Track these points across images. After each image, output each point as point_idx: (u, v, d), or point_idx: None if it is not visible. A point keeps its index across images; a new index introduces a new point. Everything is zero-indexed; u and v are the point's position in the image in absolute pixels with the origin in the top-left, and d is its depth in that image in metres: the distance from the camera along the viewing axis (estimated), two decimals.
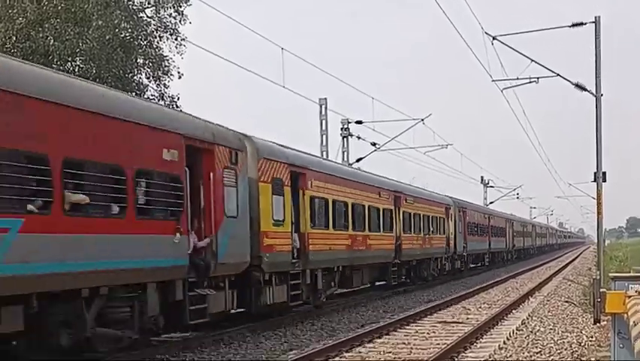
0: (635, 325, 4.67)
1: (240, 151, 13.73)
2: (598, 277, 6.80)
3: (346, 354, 12.73)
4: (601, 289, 6.30)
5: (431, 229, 29.63)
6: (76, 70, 22.98)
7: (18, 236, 8.37)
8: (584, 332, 14.48)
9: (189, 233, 12.08)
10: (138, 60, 23.97)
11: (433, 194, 32.92)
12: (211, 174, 12.59)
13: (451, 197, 35.23)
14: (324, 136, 29.78)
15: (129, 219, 10.43)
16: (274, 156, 15.57)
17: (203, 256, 12.59)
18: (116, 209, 10.29)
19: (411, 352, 12.80)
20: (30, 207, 8.70)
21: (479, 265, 42.11)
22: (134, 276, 10.68)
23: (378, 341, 14.31)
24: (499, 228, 46.36)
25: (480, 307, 20.29)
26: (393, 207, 24.56)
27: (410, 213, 26.76)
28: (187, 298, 12.09)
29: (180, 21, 24.25)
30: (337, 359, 12.31)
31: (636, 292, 5.87)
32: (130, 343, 11.15)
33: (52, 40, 21.64)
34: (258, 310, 15.36)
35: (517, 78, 21.77)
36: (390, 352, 12.82)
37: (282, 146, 16.76)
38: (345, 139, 31.54)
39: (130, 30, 23.24)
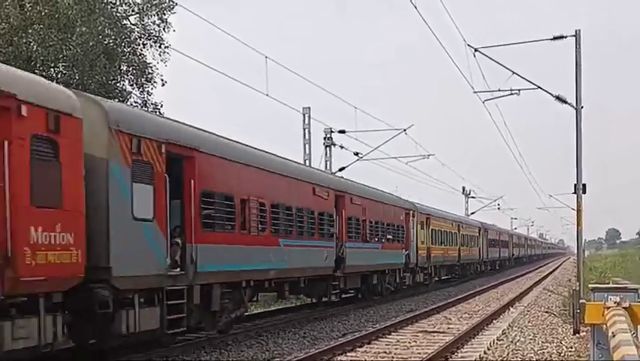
0: (614, 336, 4.75)
1: (67, 115, 9.61)
2: (577, 289, 6.87)
3: None
4: (580, 300, 6.37)
5: (388, 237, 25.96)
6: (59, 76, 22.87)
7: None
8: (563, 342, 14.60)
9: None
10: (122, 67, 23.92)
11: (390, 196, 28.74)
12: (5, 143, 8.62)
13: (413, 202, 31.70)
14: (307, 145, 29.83)
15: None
16: (137, 128, 11.30)
17: None
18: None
19: None
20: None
21: (450, 277, 38.32)
22: None
23: (360, 350, 14.34)
24: (470, 237, 42.47)
25: (461, 317, 20.39)
26: (334, 210, 20.84)
27: (357, 218, 22.92)
28: None
29: (164, 29, 24.25)
30: None
31: (615, 303, 5.96)
32: None
33: (35, 46, 21.54)
34: (110, 343, 11.11)
35: (499, 90, 21.93)
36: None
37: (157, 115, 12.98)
38: (328, 148, 31.62)
39: (114, 37, 23.18)
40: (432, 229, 33.18)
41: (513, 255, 65.39)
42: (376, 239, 24.70)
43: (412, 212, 30.20)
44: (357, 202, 22.83)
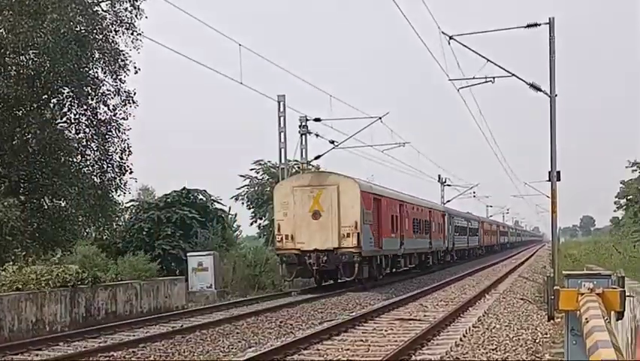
0: (587, 322, 4.72)
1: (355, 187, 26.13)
2: (552, 275, 6.88)
3: (304, 351, 12.72)
4: (554, 287, 6.34)
5: (436, 231, 41.67)
6: (29, 63, 22.50)
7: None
8: (538, 328, 14.69)
9: None
10: (94, 54, 23.55)
11: (437, 204, 45.84)
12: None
13: (446, 206, 43.17)
14: (282, 133, 29.66)
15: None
16: (365, 188, 26.82)
17: None
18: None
19: (369, 349, 12.83)
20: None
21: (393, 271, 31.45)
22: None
23: (337, 338, 14.33)
24: (422, 221, 36.52)
25: (437, 305, 20.46)
26: (429, 218, 39.29)
27: (426, 220, 38.64)
28: None
29: (136, 15, 23.89)
30: (295, 356, 12.28)
31: (588, 289, 5.94)
32: None
33: (5, 33, 21.14)
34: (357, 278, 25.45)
35: (474, 77, 21.99)
36: (348, 349, 12.84)
37: None
38: (303, 136, 31.50)
39: (85, 24, 22.76)
40: (455, 225, 46.83)
41: (483, 243, 65.68)
42: (436, 232, 39.91)
43: (446, 214, 44.33)
44: (418, 209, 35.86)
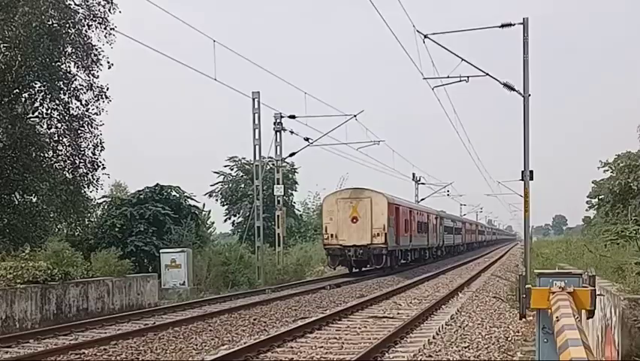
0: (558, 320, 4.76)
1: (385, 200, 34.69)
2: (524, 274, 6.93)
3: (278, 349, 12.69)
4: (526, 286, 6.39)
5: (431, 230, 48.67)
6: (0, 57, 22.15)
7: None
8: (510, 327, 14.81)
9: None
10: (66, 48, 23.22)
11: (432, 208, 52.05)
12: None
13: (438, 210, 53.66)
14: (257, 130, 29.55)
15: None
16: (390, 201, 34.77)
17: None
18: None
19: (342, 346, 12.84)
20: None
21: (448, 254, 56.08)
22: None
23: (310, 335, 14.32)
24: (452, 228, 60.08)
25: (411, 303, 20.55)
26: (427, 220, 46.77)
27: (425, 222, 45.78)
28: None
29: (110, 10, 23.62)
30: (269, 354, 12.25)
31: (560, 288, 5.99)
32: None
33: None
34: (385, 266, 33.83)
35: (448, 77, 22.05)
36: (321, 346, 12.84)
37: None
38: (278, 133, 31.43)
39: (57, 18, 22.44)
40: (444, 225, 53.38)
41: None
42: (431, 232, 46.90)
43: (438, 216, 50.82)
44: (422, 215, 43.99)
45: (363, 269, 34.52)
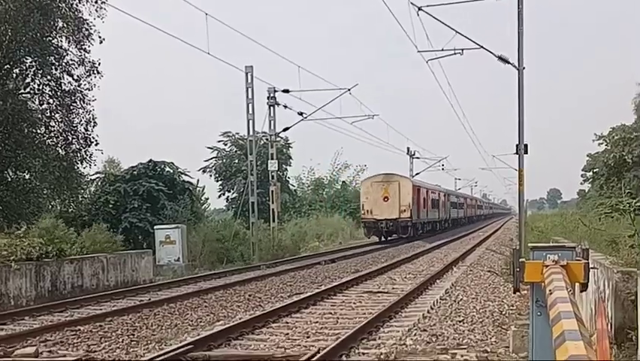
0: (551, 293, 4.75)
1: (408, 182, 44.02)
2: (517, 248, 6.93)
3: (273, 325, 12.71)
4: (520, 259, 6.37)
5: (441, 206, 56.62)
6: None
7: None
8: (505, 300, 14.87)
9: None
10: (57, 23, 22.98)
11: (441, 187, 58.96)
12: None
13: (447, 188, 61.45)
14: (250, 104, 29.37)
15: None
16: (416, 183, 43.50)
17: None
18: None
19: (337, 321, 12.87)
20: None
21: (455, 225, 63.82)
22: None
23: (305, 311, 14.34)
24: (459, 203, 72.32)
25: (405, 278, 20.60)
26: (441, 198, 56.63)
27: (437, 199, 54.61)
28: None
29: None
30: (264, 329, 12.27)
31: (553, 261, 5.97)
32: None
33: None
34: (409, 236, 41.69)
35: (442, 49, 21.87)
36: (316, 322, 12.86)
37: None
38: (271, 108, 31.26)
39: None
40: (450, 201, 61.50)
41: (483, 214, 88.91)
42: (441, 208, 55.23)
43: (447, 194, 59.58)
44: (435, 193, 52.51)
45: (389, 238, 41.86)
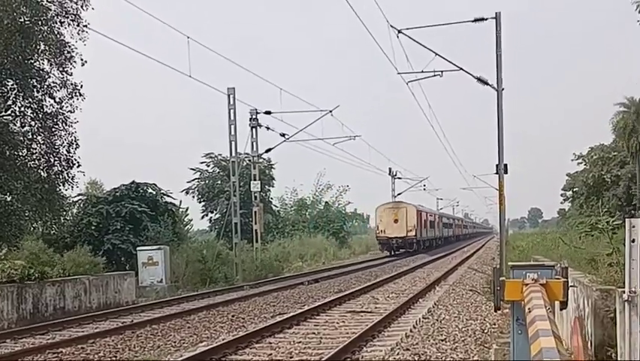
0: (530, 311, 4.85)
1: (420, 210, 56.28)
2: (497, 266, 7.04)
3: (256, 345, 12.72)
4: (501, 278, 6.48)
5: (435, 227, 63.23)
6: None
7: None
8: (487, 319, 14.98)
9: None
10: (39, 46, 22.96)
11: (434, 210, 70.86)
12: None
13: (440, 211, 73.16)
14: (233, 126, 29.46)
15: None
16: (419, 209, 53.25)
17: None
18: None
19: (320, 341, 12.91)
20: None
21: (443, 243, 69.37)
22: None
23: (289, 331, 14.37)
24: (448, 224, 77.63)
25: (388, 297, 20.67)
26: (435, 220, 65.18)
27: (432, 221, 61.97)
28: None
29: (82, 7, 23.38)
30: (247, 350, 12.28)
31: (532, 280, 6.09)
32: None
33: None
34: (412, 249, 52.42)
35: (422, 71, 22.17)
36: (300, 342, 12.89)
37: None
38: (254, 129, 31.36)
39: (29, 14, 22.18)
40: (443, 223, 70.35)
41: (467, 233, 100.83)
42: (437, 228, 63.46)
43: (440, 216, 69.94)
44: (432, 216, 62.08)
45: (396, 253, 50.94)
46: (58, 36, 23.30)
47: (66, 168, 24.42)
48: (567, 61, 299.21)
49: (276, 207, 56.40)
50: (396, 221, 50.72)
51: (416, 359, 10.81)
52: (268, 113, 30.92)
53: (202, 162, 50.71)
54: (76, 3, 23.44)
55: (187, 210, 45.42)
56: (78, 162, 24.64)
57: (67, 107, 24.27)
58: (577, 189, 50.42)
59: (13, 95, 23.58)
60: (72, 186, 25.34)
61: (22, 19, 22.07)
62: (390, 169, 60.45)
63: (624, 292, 6.87)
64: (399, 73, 22.32)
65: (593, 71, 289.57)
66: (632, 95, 49.22)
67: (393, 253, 50.81)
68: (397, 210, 51.61)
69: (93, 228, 27.69)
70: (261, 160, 36.85)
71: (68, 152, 24.41)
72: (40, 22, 22.67)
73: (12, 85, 23.32)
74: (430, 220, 60.55)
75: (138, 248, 25.52)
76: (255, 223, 32.11)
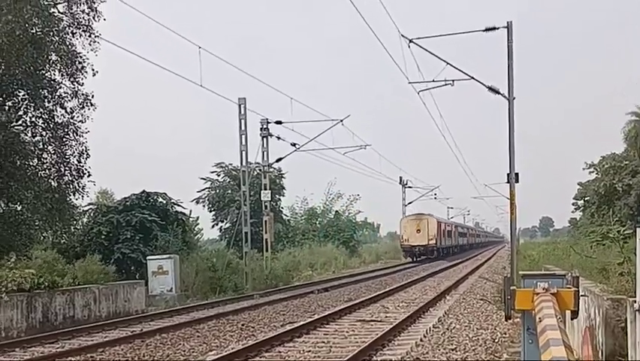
0: (541, 321, 4.81)
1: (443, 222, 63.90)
2: (508, 275, 7.00)
3: (266, 354, 12.70)
4: (511, 287, 6.44)
5: (453, 236, 70.70)
6: None
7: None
8: (497, 328, 14.89)
9: None
10: (50, 56, 23.08)
11: (450, 220, 74.70)
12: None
13: (456, 222, 78.23)
14: (244, 136, 29.52)
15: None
16: (438, 219, 60.37)
17: None
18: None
19: (330, 350, 12.86)
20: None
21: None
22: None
23: (298, 340, 14.33)
24: (462, 233, 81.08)
25: (398, 306, 20.59)
26: (453, 230, 71.60)
27: (450, 231, 68.03)
28: None
29: (94, 17, 23.51)
30: (257, 359, 12.25)
31: (543, 289, 6.05)
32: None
33: None
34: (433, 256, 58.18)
35: (433, 80, 22.13)
36: (309, 351, 12.85)
37: None
38: (264, 139, 31.42)
39: (41, 26, 22.32)
40: (459, 232, 75.80)
41: (480, 242, 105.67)
42: (453, 237, 70.00)
43: (457, 225, 75.62)
44: (450, 226, 69.53)
45: (418, 260, 56.09)
46: (69, 47, 23.42)
47: (76, 177, 24.49)
48: (567, 61, 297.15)
49: (287, 216, 56.41)
50: (418, 231, 56.09)
51: None
52: (279, 122, 30.98)
53: (212, 172, 50.84)
54: (88, 14, 23.58)
55: (197, 219, 45.48)
56: (89, 172, 24.71)
57: (78, 117, 24.37)
58: (588, 198, 50.13)
59: (24, 106, 23.70)
60: (82, 196, 25.42)
61: (34, 30, 22.20)
62: (400, 178, 60.49)
63: (635, 301, 6.81)
64: (410, 82, 22.31)
65: (593, 71, 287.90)
66: (635, 97, 49.08)
67: (415, 260, 56.24)
68: (420, 221, 56.86)
69: (103, 237, 27.75)
70: (271, 170, 36.91)
71: (79, 161, 24.50)
72: (51, 33, 22.79)
73: (23, 95, 23.45)
74: (448, 230, 67.21)
75: (148, 257, 25.56)
76: (266, 232, 32.11)
